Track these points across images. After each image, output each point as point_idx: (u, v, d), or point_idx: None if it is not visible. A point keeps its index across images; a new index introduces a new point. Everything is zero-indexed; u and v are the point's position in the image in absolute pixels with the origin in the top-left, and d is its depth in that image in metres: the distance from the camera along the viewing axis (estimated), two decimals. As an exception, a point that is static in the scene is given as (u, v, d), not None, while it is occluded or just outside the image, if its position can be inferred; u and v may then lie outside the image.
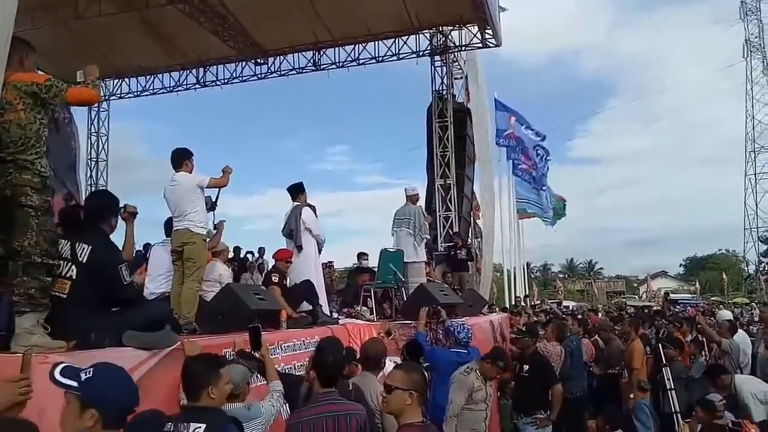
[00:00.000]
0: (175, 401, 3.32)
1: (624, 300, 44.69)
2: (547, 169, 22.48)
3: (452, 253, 12.44)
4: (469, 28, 14.76)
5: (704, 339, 8.38)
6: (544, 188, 22.72)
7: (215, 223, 6.78)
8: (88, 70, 3.59)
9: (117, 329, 3.32)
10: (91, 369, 2.08)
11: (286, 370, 4.40)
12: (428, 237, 8.98)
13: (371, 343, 4.93)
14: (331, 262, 12.75)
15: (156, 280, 6.14)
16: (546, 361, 6.67)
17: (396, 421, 2.91)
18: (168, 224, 5.93)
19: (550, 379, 6.38)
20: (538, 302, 26.07)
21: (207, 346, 3.81)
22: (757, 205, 61.02)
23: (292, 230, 7.00)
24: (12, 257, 3.09)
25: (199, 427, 2.69)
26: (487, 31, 14.21)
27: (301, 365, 4.64)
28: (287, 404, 3.83)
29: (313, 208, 7.28)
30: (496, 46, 14.40)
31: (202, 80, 17.24)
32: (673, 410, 6.32)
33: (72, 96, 3.37)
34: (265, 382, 3.79)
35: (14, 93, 3.17)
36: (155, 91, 17.69)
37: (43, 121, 3.26)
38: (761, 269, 55.74)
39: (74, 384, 2.02)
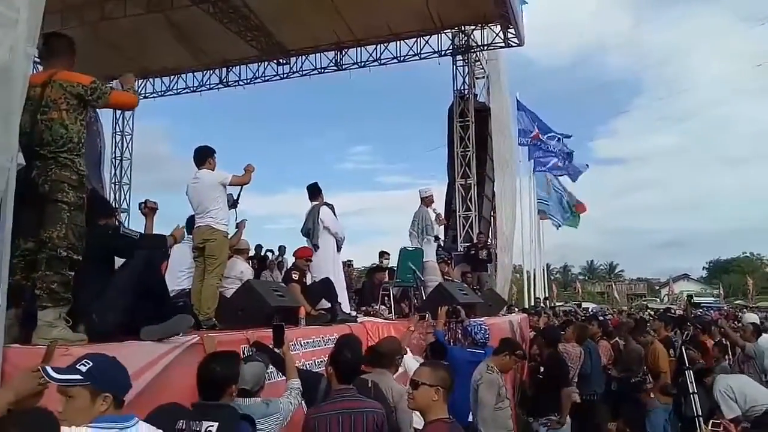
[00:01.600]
0: (194, 394, 3.36)
1: (645, 303, 44.10)
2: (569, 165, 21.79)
3: (472, 252, 12.42)
4: (492, 27, 14.72)
5: (728, 343, 8.25)
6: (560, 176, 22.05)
7: (237, 221, 6.85)
8: (126, 79, 3.69)
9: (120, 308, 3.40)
10: (86, 360, 2.15)
11: (306, 367, 4.42)
12: (432, 237, 9.03)
13: (386, 341, 4.94)
14: (350, 260, 12.78)
15: (177, 277, 6.20)
16: (560, 363, 6.57)
17: (421, 418, 2.95)
18: (190, 221, 5.99)
19: (561, 380, 6.32)
20: (561, 303, 25.77)
21: (226, 342, 3.85)
22: (784, 207, 59.94)
23: (309, 229, 7.08)
24: (38, 250, 3.15)
25: (212, 426, 2.71)
26: (509, 30, 14.16)
27: (321, 361, 4.65)
28: (305, 402, 3.85)
29: (332, 207, 7.34)
30: (518, 45, 14.34)
31: (225, 80, 17.42)
32: (696, 414, 6.22)
33: (115, 99, 3.44)
34: (283, 378, 3.81)
35: (59, 92, 3.23)
36: (179, 91, 17.93)
37: (83, 122, 3.32)
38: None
39: (78, 377, 2.09)
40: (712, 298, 44.03)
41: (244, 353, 3.83)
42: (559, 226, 22.89)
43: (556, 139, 20.38)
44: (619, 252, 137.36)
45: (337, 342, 3.78)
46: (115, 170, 17.99)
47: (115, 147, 18.15)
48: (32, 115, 3.13)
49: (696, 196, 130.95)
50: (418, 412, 3.16)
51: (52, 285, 3.08)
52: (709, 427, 5.48)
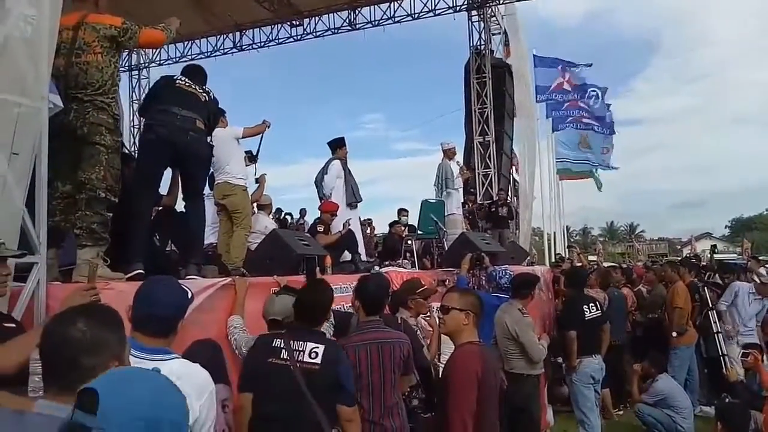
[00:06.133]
0: (222, 331, 3.46)
1: (661, 261, 43.74)
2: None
3: (492, 210, 12.40)
4: (507, -20, 14.42)
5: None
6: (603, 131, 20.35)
7: (257, 177, 6.94)
8: (169, 20, 3.72)
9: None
10: None
11: (335, 310, 4.49)
12: (454, 190, 9.04)
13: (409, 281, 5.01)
14: (369, 219, 12.88)
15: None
16: (565, 308, 6.54)
17: (452, 342, 3.01)
18: (210, 178, 6.08)
19: (564, 322, 6.32)
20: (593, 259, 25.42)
21: (257, 284, 3.93)
22: (808, 162, 58.79)
23: (318, 180, 7.23)
24: (76, 192, 3.23)
25: (318, 347, 2.84)
26: (525, -18, 13.86)
27: (349, 307, 4.72)
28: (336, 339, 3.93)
29: (344, 163, 7.41)
30: (535, -3, 14.06)
31: (239, 44, 17.32)
32: (720, 353, 6.24)
33: (143, 37, 3.49)
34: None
35: (93, 35, 3.27)
36: (193, 56, 17.79)
37: (117, 64, 3.37)
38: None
39: None
40: (735, 255, 43.59)
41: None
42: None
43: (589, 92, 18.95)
44: (640, 213, 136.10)
45: (361, 277, 3.84)
46: (134, 138, 18.05)
47: (133, 115, 18.22)
48: (66, 58, 3.16)
49: (716, 155, 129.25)
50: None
51: (92, 225, 3.17)
52: (740, 357, 5.50)
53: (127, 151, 4.88)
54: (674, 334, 6.95)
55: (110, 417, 1.02)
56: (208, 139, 4.23)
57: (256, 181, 7.10)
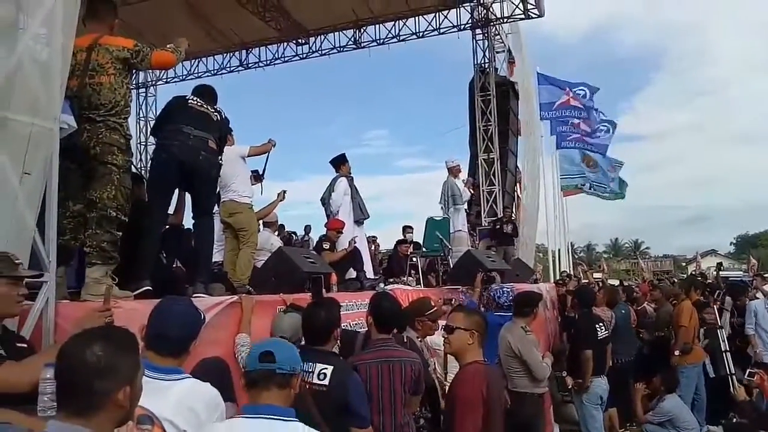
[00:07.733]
0: (230, 349, 3.45)
1: (672, 279, 43.52)
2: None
3: (497, 227, 12.39)
4: (511, -1, 14.52)
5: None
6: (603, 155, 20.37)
7: (279, 192, 6.99)
8: (178, 41, 3.77)
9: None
10: None
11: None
12: (461, 206, 9.06)
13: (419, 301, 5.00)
14: (374, 236, 12.87)
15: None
16: (581, 327, 6.44)
17: (457, 361, 3.00)
18: (216, 197, 6.10)
19: (581, 343, 6.24)
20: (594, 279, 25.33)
21: (264, 303, 3.93)
22: (814, 179, 58.72)
23: (324, 198, 7.24)
24: (87, 211, 3.25)
25: (326, 368, 2.83)
26: (529, 1, 13.95)
27: (355, 324, 4.71)
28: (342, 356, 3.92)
29: (350, 180, 7.43)
30: (539, 16, 14.11)
31: (245, 62, 17.43)
32: (728, 372, 6.17)
33: (155, 59, 3.53)
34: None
35: (106, 56, 3.32)
36: (200, 74, 17.88)
37: (129, 85, 3.42)
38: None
39: None
40: (741, 273, 43.39)
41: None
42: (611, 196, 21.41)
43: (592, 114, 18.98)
44: (644, 229, 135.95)
45: (375, 294, 3.84)
46: (141, 156, 18.13)
47: (140, 132, 18.30)
48: (80, 79, 3.21)
49: (720, 171, 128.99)
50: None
51: (102, 243, 3.19)
52: (746, 377, 5.45)
53: (135, 171, 4.92)
54: (676, 352, 6.92)
55: (282, 361, 2.05)
56: (219, 158, 4.26)
57: (278, 195, 7.09)
